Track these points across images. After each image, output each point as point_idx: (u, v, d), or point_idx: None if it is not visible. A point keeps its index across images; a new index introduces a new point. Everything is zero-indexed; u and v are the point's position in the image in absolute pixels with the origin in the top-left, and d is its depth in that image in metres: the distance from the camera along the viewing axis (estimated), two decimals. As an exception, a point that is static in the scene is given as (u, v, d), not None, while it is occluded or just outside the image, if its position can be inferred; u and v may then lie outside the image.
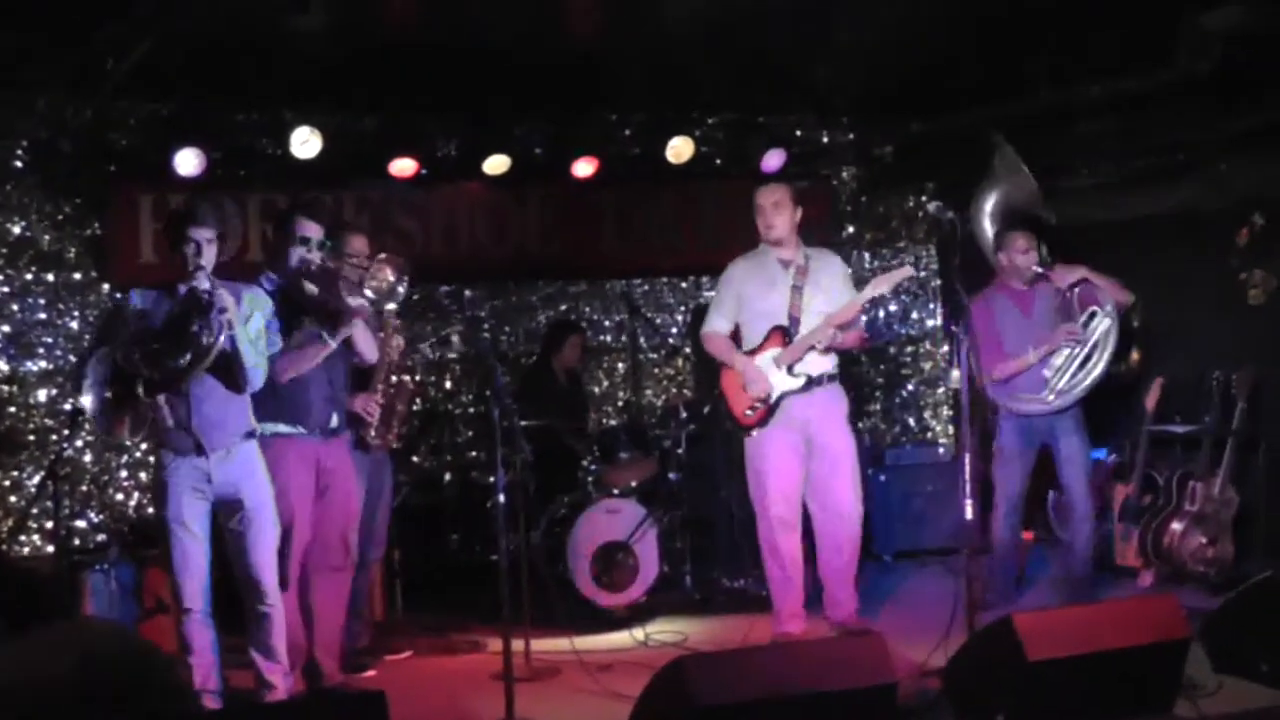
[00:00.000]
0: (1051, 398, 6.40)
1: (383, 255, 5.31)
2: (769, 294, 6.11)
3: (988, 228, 7.12)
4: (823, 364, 6.08)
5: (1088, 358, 6.37)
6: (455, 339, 5.70)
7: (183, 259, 4.81)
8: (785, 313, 6.06)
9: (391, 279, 5.17)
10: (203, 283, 4.73)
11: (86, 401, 4.74)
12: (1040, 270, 6.47)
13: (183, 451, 4.87)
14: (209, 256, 4.82)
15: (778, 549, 6.09)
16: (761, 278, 6.15)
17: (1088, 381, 6.37)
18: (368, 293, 5.16)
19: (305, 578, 5.49)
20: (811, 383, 6.04)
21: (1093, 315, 6.40)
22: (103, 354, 4.76)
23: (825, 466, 6.09)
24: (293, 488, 5.29)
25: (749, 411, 6.10)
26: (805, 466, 6.10)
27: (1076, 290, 6.46)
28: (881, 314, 9.27)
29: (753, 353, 6.12)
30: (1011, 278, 6.56)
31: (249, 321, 4.91)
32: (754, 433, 6.11)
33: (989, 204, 7.16)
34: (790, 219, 6.10)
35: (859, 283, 6.27)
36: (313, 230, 5.39)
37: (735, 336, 6.28)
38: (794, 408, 6.05)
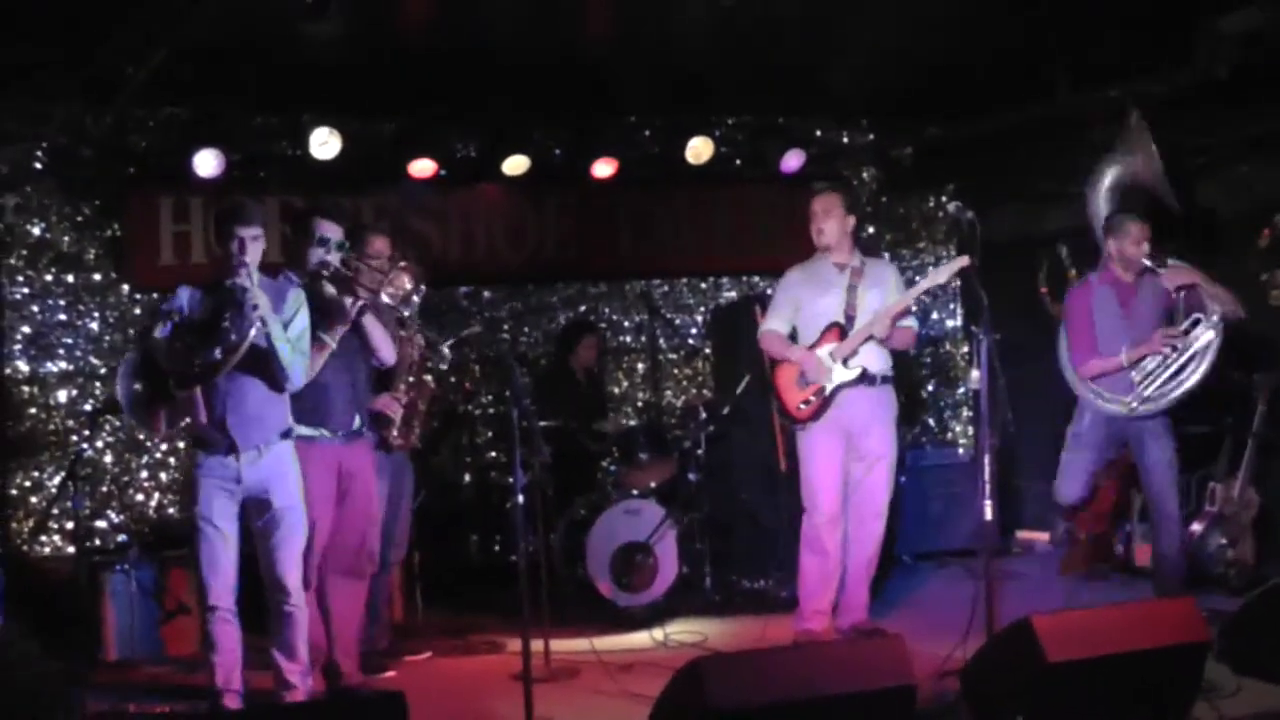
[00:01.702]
0: (1136, 405, 6.11)
1: (403, 263, 5.35)
2: (825, 296, 6.13)
3: (1103, 207, 6.84)
4: (878, 362, 6.08)
5: (1183, 367, 6.05)
6: (446, 350, 5.71)
7: (227, 255, 4.84)
8: (841, 312, 6.08)
9: (409, 286, 5.23)
10: (244, 279, 4.76)
11: (119, 392, 4.78)
12: (1150, 265, 6.14)
13: (214, 450, 4.89)
14: (254, 254, 4.84)
15: (824, 545, 6.09)
16: (817, 282, 6.18)
17: (1179, 392, 6.05)
18: (384, 297, 5.19)
19: (323, 579, 5.52)
20: (866, 377, 6.03)
21: (1196, 322, 6.07)
22: (136, 346, 4.80)
23: (863, 466, 6.09)
24: (313, 490, 5.30)
25: (803, 405, 6.09)
26: (846, 463, 6.11)
27: (1183, 294, 6.16)
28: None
29: (810, 349, 6.12)
30: (1118, 267, 6.26)
31: (293, 321, 4.93)
32: (808, 426, 6.10)
33: (1108, 179, 6.85)
34: (841, 225, 6.12)
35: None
36: (332, 231, 5.41)
37: (792, 340, 6.27)
38: (846, 403, 6.04)
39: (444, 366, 6.35)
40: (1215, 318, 6.05)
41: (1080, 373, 6.28)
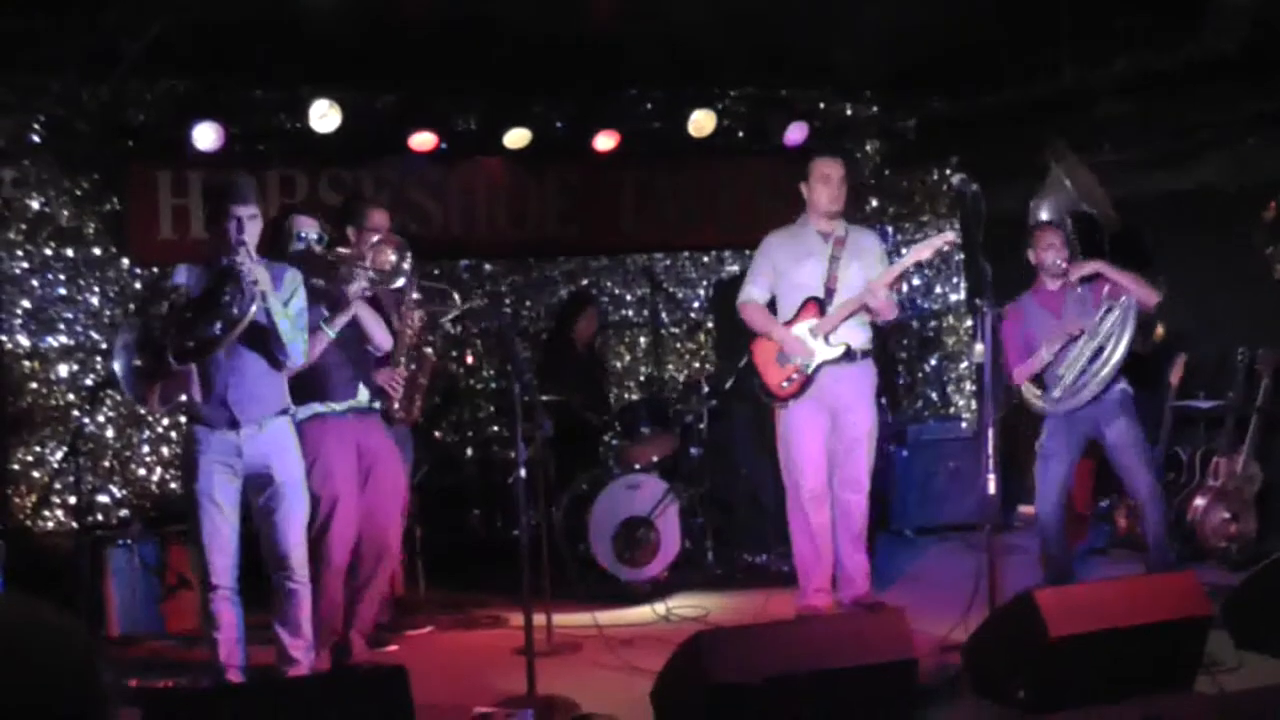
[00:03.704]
0: (1058, 393, 6.17)
1: (377, 237, 5.34)
2: (805, 265, 6.07)
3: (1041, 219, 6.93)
4: (859, 337, 6.06)
5: (1098, 351, 6.11)
6: (477, 303, 5.68)
7: (224, 235, 4.80)
8: (821, 285, 6.03)
9: (393, 259, 5.19)
10: (244, 259, 4.73)
11: (116, 366, 4.75)
12: (1064, 266, 6.22)
13: (215, 425, 4.86)
14: (251, 233, 4.81)
15: (809, 523, 6.08)
16: (799, 249, 6.12)
17: (1103, 374, 6.08)
18: (371, 275, 5.17)
19: (355, 560, 5.51)
20: (850, 354, 6.01)
21: (1109, 309, 6.13)
22: (134, 321, 4.77)
23: (846, 442, 6.08)
24: (334, 467, 5.31)
25: (785, 384, 6.06)
26: (829, 440, 6.09)
27: (1092, 285, 6.21)
28: (905, 288, 9.21)
29: (788, 324, 6.08)
30: (1045, 279, 6.32)
31: (292, 300, 4.91)
32: (789, 404, 6.07)
33: (1044, 214, 6.98)
34: (846, 192, 6.12)
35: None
36: (308, 225, 5.42)
37: (771, 309, 6.23)
38: (827, 380, 6.01)
39: (453, 315, 6.27)
40: (1124, 299, 6.07)
41: (1014, 379, 6.33)
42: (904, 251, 6.29)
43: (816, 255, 6.06)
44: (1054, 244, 6.25)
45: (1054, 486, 6.29)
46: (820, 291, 6.03)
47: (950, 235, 5.91)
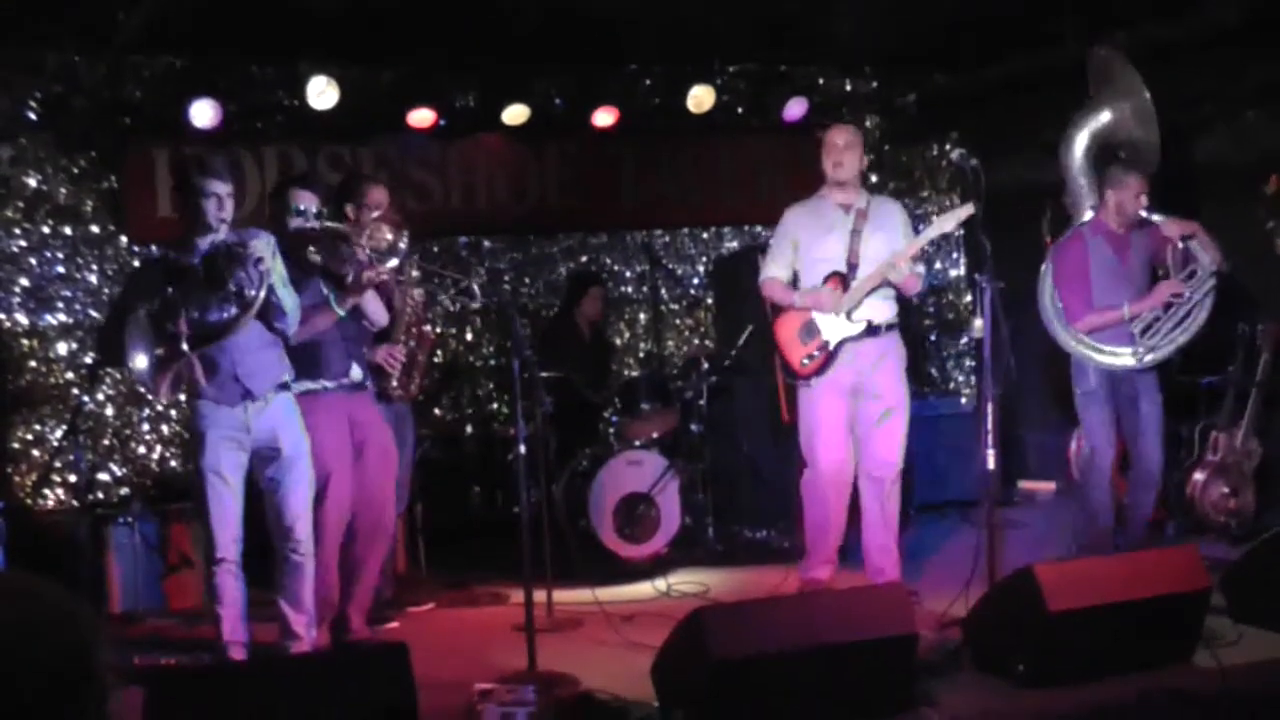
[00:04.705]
0: (1143, 354, 6.02)
1: (376, 214, 5.33)
2: (826, 240, 5.89)
3: (1079, 160, 6.66)
4: (884, 311, 5.87)
5: (1185, 316, 6.02)
6: (475, 288, 5.65)
7: (200, 213, 4.80)
8: (843, 259, 5.85)
9: (390, 237, 5.19)
10: (226, 236, 4.73)
11: (140, 364, 4.71)
12: (1148, 217, 6.08)
13: (228, 401, 4.88)
14: (230, 210, 4.82)
15: (825, 497, 5.90)
16: (819, 223, 5.94)
17: (1182, 340, 6.03)
18: (368, 252, 5.17)
19: (350, 537, 5.53)
20: (871, 329, 5.83)
21: (1192, 273, 6.02)
22: (143, 315, 4.74)
23: (872, 419, 5.86)
24: (327, 443, 5.31)
25: (806, 360, 5.88)
26: (852, 415, 5.89)
27: (1149, 235, 6.12)
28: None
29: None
30: (1112, 220, 6.18)
31: (274, 264, 4.91)
32: (811, 382, 5.90)
33: (1090, 128, 6.66)
34: (858, 160, 5.92)
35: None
36: (306, 200, 5.39)
37: (793, 286, 6.06)
38: (849, 357, 5.83)
39: (475, 305, 6.26)
40: (1212, 266, 6.03)
41: (1076, 328, 6.16)
42: (920, 228, 6.14)
43: (838, 229, 5.89)
44: (1142, 192, 6.09)
45: (1109, 430, 6.15)
46: (843, 266, 5.85)
47: (970, 208, 5.62)
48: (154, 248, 5.04)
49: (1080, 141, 6.78)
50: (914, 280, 5.88)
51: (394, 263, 5.29)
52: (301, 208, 5.36)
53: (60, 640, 1.67)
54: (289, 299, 4.90)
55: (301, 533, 5.02)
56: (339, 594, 5.52)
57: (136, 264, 7.29)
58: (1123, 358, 6.13)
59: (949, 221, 5.76)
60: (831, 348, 5.86)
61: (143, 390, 5.18)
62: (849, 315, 5.83)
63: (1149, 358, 6.09)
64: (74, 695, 1.64)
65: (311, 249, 5.24)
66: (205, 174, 4.82)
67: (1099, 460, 6.26)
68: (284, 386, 5.04)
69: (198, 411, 4.93)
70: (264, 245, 4.78)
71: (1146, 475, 6.27)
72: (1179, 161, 7.24)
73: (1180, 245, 6.12)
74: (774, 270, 6.04)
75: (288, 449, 4.98)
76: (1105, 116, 6.71)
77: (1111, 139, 6.71)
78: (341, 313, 5.27)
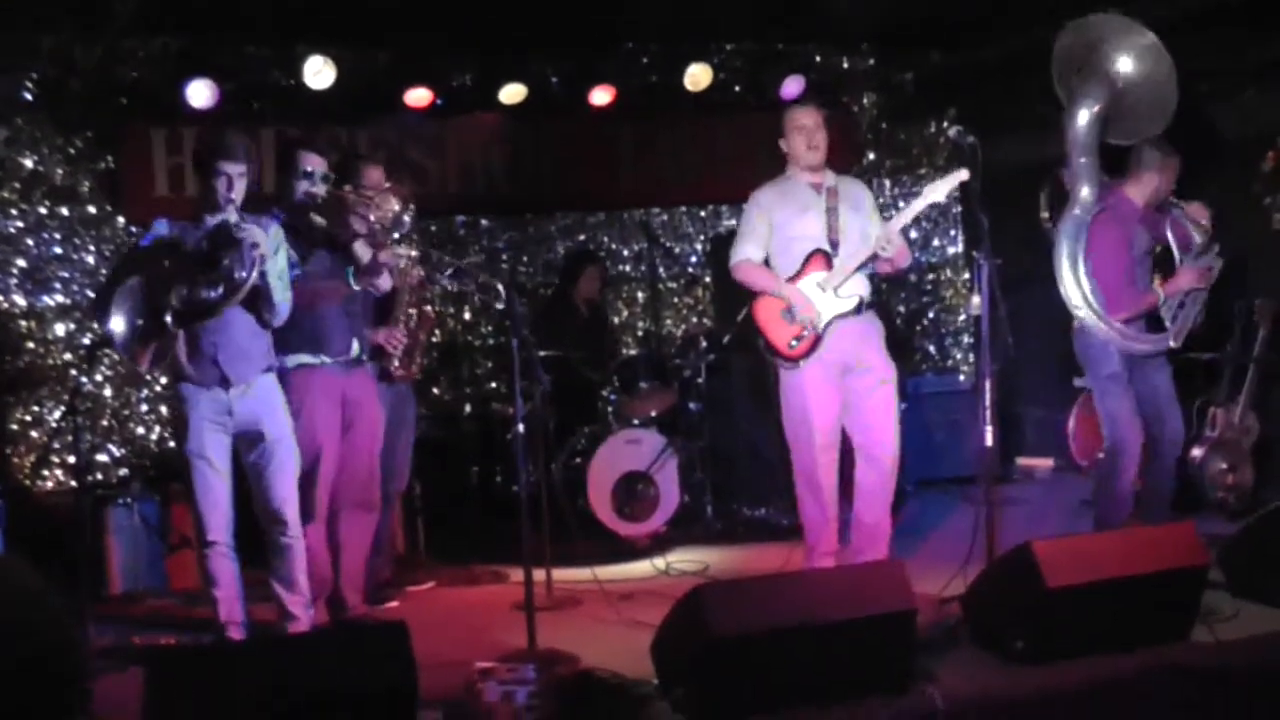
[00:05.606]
0: (1177, 337, 5.91)
1: (387, 185, 5.32)
2: (803, 218, 5.78)
3: (1084, 133, 6.09)
4: (866, 288, 5.80)
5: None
6: (500, 288, 5.60)
7: (212, 192, 4.79)
8: (824, 236, 5.75)
9: (396, 208, 5.18)
10: (232, 217, 4.72)
11: (118, 327, 4.70)
12: (1175, 202, 6.00)
13: (205, 384, 4.88)
14: (239, 190, 4.80)
15: (819, 485, 5.77)
16: (793, 203, 5.82)
17: (1195, 321, 5.95)
18: (372, 222, 5.16)
19: (334, 511, 5.53)
20: (862, 305, 5.74)
21: (1199, 252, 5.96)
22: (135, 283, 4.73)
23: (863, 394, 5.76)
24: (319, 419, 5.31)
25: (794, 342, 5.73)
26: (842, 396, 5.78)
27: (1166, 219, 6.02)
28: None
29: (793, 279, 5.78)
30: (1142, 199, 6.05)
31: (276, 255, 4.90)
32: (799, 365, 5.75)
33: (1105, 98, 6.16)
34: (826, 140, 5.82)
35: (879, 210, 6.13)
36: (315, 163, 5.38)
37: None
38: (838, 335, 5.72)
39: (499, 306, 6.25)
40: (1215, 246, 5.97)
41: (1114, 316, 5.88)
42: (901, 205, 6.11)
43: (814, 208, 5.80)
44: (1175, 175, 6.03)
45: (1130, 413, 5.98)
46: (825, 244, 5.76)
47: (964, 174, 5.51)
48: (159, 222, 4.97)
49: (1087, 114, 6.54)
50: (906, 253, 5.79)
51: (397, 236, 5.29)
52: (309, 169, 5.35)
53: (37, 626, 1.68)
54: (281, 292, 4.88)
55: (289, 515, 5.01)
56: (330, 571, 5.54)
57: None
58: (1160, 343, 5.97)
59: (940, 189, 5.66)
60: (820, 328, 5.72)
61: (120, 354, 5.13)
62: (837, 292, 5.73)
63: (1175, 342, 5.96)
64: (51, 683, 1.65)
65: (316, 216, 5.23)
66: (217, 153, 4.79)
67: (1127, 448, 6.01)
68: (269, 369, 5.03)
69: (181, 394, 4.93)
70: (263, 234, 4.76)
71: (1171, 447, 6.12)
72: (1178, 137, 7.22)
73: (1211, 229, 6.00)
74: (749, 251, 5.87)
75: (271, 433, 4.95)
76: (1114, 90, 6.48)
77: (1117, 115, 6.62)
78: (357, 288, 5.31)
